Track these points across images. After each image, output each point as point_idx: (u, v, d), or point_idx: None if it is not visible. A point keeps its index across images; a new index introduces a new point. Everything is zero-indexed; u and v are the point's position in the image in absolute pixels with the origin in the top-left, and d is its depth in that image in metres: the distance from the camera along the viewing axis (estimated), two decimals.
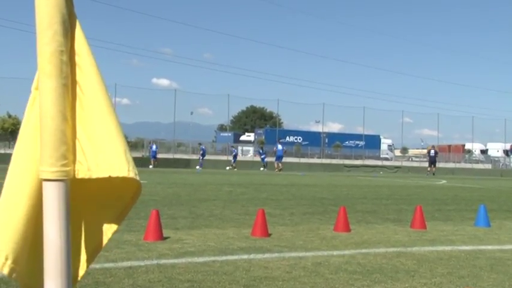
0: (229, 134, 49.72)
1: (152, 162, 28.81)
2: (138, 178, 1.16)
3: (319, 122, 52.71)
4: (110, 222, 1.24)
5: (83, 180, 1.13)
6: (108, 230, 1.23)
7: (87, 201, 1.23)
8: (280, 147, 32.06)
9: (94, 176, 1.12)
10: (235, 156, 32.59)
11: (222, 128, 71.08)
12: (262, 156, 33.04)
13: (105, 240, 1.22)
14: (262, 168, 31.91)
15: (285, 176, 23.99)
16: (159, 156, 34.00)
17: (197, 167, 30.99)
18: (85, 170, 1.12)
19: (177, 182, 14.46)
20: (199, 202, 8.86)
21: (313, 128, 52.46)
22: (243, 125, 73.08)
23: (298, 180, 19.62)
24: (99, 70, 1.15)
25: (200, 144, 34.47)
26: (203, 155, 31.94)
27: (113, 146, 1.13)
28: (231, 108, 58.88)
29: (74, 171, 1.12)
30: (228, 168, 31.25)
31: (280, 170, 30.92)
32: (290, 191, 12.67)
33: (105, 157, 1.12)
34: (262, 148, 34.92)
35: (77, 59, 1.13)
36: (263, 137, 45.76)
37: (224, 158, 37.26)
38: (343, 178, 22.98)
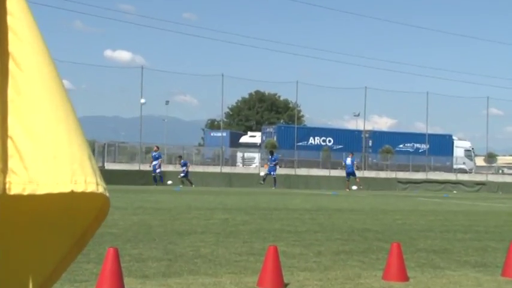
0: (224, 134, 49.95)
1: None
2: (105, 192, 1.18)
3: (358, 115, 52.44)
4: (60, 254, 1.26)
5: (20, 196, 1.14)
6: (59, 267, 1.26)
7: (27, 226, 1.24)
8: (349, 161, 34.49)
9: (39, 191, 1.13)
10: (184, 166, 33.63)
11: (212, 125, 71.10)
12: (271, 165, 33.87)
13: (50, 285, 1.25)
14: (262, 182, 33.18)
15: (309, 196, 24.00)
16: (116, 166, 34.63)
17: (168, 182, 31.60)
18: (23, 182, 1.13)
19: (145, 206, 14.47)
20: (179, 236, 8.90)
21: (349, 124, 53.43)
22: (244, 120, 73.41)
23: (327, 202, 19.59)
24: (43, 37, 1.16)
25: (180, 157, 35.44)
26: (185, 172, 33.10)
27: (66, 148, 1.15)
28: (226, 94, 59.58)
29: (5, 184, 1.13)
30: (180, 187, 31.78)
31: (359, 186, 33.73)
32: (316, 218, 12.66)
33: (55, 164, 1.13)
34: (272, 153, 35.50)
35: (10, 20, 1.13)
36: (275, 138, 46.00)
37: (216, 169, 37.92)
38: (396, 200, 22.89)
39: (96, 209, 1.26)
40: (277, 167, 35.01)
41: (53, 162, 1.13)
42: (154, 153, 33.75)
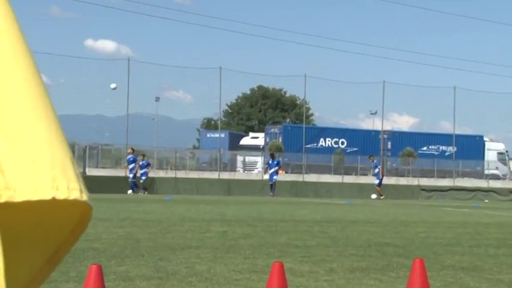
0: (222, 135, 50.08)
1: None
2: (88, 201, 1.17)
3: (375, 113, 52.58)
4: (30, 273, 1.26)
5: None
6: (31, 283, 1.25)
7: None
8: (376, 168, 35.57)
9: (16, 198, 1.13)
10: (145, 167, 33.97)
11: (209, 124, 70.51)
12: (273, 170, 34.19)
13: None
14: (272, 181, 33.71)
15: (319, 206, 24.02)
16: (99, 172, 35.00)
17: (129, 191, 32.40)
18: None
19: (132, 218, 14.55)
20: (171, 251, 8.96)
21: (365, 124, 53.46)
22: (245, 119, 73.40)
23: (340, 213, 19.62)
24: (18, 22, 1.17)
25: (143, 156, 35.82)
26: (144, 174, 33.71)
27: (46, 150, 1.15)
28: (224, 90, 59.41)
29: None
30: (141, 192, 32.68)
31: (381, 196, 34.34)
32: (327, 231, 12.72)
33: (35, 168, 1.14)
34: (273, 156, 35.69)
35: None
36: (280, 140, 46.16)
37: (214, 175, 38.06)
38: (418, 210, 22.86)
39: (74, 220, 1.25)
40: (280, 172, 35.35)
41: (32, 165, 1.13)
42: (129, 157, 34.14)
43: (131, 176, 33.40)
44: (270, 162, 34.80)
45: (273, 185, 33.84)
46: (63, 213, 1.23)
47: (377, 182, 35.64)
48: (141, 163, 33.89)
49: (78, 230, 1.26)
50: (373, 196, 34.51)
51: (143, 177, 33.68)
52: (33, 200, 1.13)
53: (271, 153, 37.36)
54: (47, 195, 1.13)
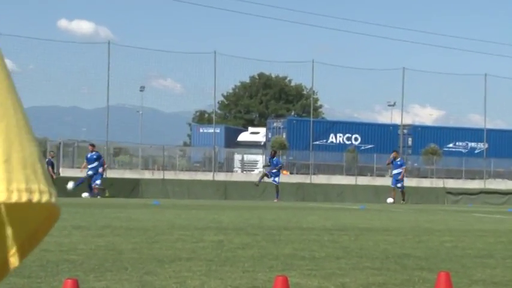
0: (218, 130, 49.82)
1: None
2: (54, 200, 1.21)
3: (394, 105, 53.07)
4: None
5: None
6: None
7: None
8: (399, 168, 35.45)
9: None
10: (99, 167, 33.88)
11: (202, 118, 70.02)
12: (274, 171, 34.41)
13: None
14: (258, 182, 34.19)
15: (329, 211, 24.07)
16: (75, 172, 35.58)
17: (83, 194, 32.09)
18: None
19: (113, 225, 14.65)
20: (158, 264, 8.97)
21: (382, 117, 53.68)
22: (243, 111, 73.52)
23: (354, 219, 19.74)
24: None
25: (93, 146, 35.70)
26: (97, 175, 33.65)
27: (17, 149, 1.17)
28: (220, 78, 58.47)
29: None
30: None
31: (403, 200, 34.80)
32: (338, 240, 12.81)
33: (7, 169, 1.16)
34: (274, 154, 35.56)
35: None
36: (284, 135, 45.95)
37: (207, 176, 38.25)
38: (444, 216, 22.93)
39: (39, 220, 1.27)
40: (283, 173, 35.48)
41: (4, 167, 1.16)
42: (90, 154, 34.34)
43: (91, 174, 33.53)
44: (270, 160, 35.07)
45: (277, 188, 33.94)
46: (29, 213, 1.25)
47: (399, 184, 35.19)
48: (89, 155, 34.15)
49: (42, 232, 1.28)
50: (390, 200, 34.42)
51: (97, 181, 33.73)
52: (8, 202, 1.15)
53: (273, 150, 37.23)
54: (21, 198, 1.15)
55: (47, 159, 33.28)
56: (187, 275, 8.06)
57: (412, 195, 37.02)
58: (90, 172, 33.45)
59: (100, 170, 33.58)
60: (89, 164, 33.81)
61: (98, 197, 32.17)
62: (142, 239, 11.90)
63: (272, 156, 35.05)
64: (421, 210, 27.16)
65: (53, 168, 34.39)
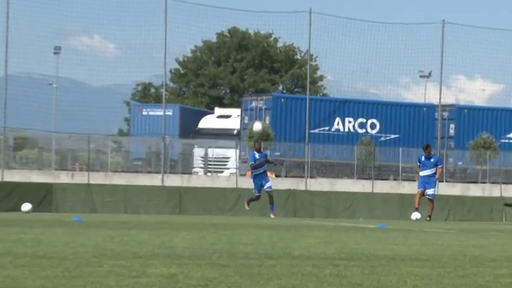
0: (169, 112, 47.96)
1: None
2: None
3: (428, 76, 47.36)
4: None
5: None
6: None
7: None
8: (432, 167, 30.79)
9: None
10: None
11: (145, 94, 63.70)
12: (254, 173, 30.32)
13: None
14: (247, 206, 30.27)
15: (332, 231, 21.52)
16: None
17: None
18: None
19: (15, 252, 11.67)
20: None
21: (410, 93, 51.35)
22: (208, 85, 66.20)
23: (369, 243, 17.68)
24: None
25: None
26: None
27: None
28: (173, 34, 51.20)
29: None
30: None
31: (429, 217, 30.43)
32: (345, 274, 9.60)
33: None
34: (260, 148, 30.86)
35: None
36: (267, 120, 43.30)
37: (154, 179, 36.28)
38: (500, 238, 19.83)
39: None
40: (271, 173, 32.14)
41: None
42: None
43: None
44: (255, 155, 29.37)
45: (271, 198, 28.91)
46: None
47: (430, 191, 29.72)
48: None
49: None
50: (415, 216, 29.57)
51: None
52: None
53: (257, 142, 31.27)
54: None
55: None
56: None
57: (455, 208, 33.88)
58: None
59: None
60: None
61: None
62: (57, 273, 8.90)
63: (258, 150, 29.77)
64: (467, 230, 24.06)
65: None
